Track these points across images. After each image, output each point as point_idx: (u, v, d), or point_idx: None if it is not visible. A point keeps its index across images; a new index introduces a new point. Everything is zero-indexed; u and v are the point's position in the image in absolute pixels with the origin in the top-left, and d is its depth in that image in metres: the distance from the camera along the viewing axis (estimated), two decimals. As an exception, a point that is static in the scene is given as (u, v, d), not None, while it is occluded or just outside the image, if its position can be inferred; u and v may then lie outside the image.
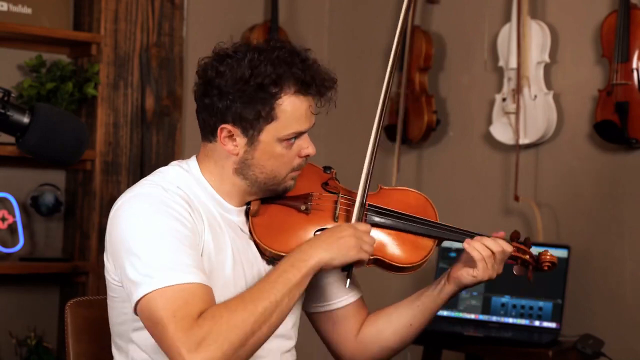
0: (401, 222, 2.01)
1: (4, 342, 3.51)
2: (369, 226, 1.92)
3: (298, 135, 1.91)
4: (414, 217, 2.02)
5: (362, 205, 1.97)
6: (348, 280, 1.92)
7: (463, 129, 3.79)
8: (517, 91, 3.47)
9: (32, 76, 3.53)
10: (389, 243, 2.00)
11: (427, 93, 3.77)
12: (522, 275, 2.07)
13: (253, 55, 1.88)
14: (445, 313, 3.32)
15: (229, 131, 1.89)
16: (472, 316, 3.31)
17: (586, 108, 3.42)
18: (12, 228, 3.52)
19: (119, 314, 1.92)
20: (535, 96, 3.47)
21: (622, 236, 3.34)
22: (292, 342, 2.03)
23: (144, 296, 1.75)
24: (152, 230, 1.80)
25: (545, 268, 2.06)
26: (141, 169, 3.69)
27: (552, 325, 3.20)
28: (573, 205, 3.47)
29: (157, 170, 1.97)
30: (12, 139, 1.61)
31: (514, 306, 3.26)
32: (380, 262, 1.98)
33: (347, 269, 1.90)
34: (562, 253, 3.21)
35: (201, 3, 3.93)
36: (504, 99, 3.54)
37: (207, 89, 1.90)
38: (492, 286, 3.29)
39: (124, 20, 3.65)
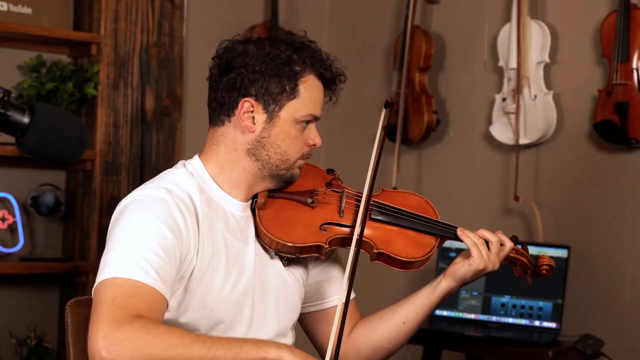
0: (404, 219, 2.03)
1: (4, 342, 3.51)
2: None
3: (312, 120, 1.97)
4: (416, 214, 2.05)
5: (369, 199, 1.98)
6: None
7: (463, 129, 3.79)
8: (517, 91, 3.47)
9: (32, 76, 3.53)
10: (393, 239, 2.01)
11: (427, 93, 3.77)
12: (521, 276, 2.10)
13: (276, 40, 1.96)
14: (445, 313, 3.32)
15: (251, 105, 1.93)
16: (472, 316, 3.31)
17: (586, 108, 3.42)
18: (12, 228, 3.52)
19: None
20: (535, 96, 3.47)
21: (622, 236, 3.34)
22: (289, 341, 2.03)
23: (101, 281, 1.74)
24: (137, 229, 1.80)
25: (544, 272, 2.09)
26: (141, 169, 3.69)
27: (552, 325, 3.20)
28: (573, 205, 3.47)
29: (165, 172, 1.98)
30: (12, 139, 1.61)
31: (514, 306, 3.26)
32: (385, 257, 1.99)
33: None
34: (562, 253, 3.21)
35: (201, 3, 3.93)
36: (504, 99, 3.54)
37: (231, 65, 1.94)
38: (492, 286, 3.29)
39: (124, 20, 3.65)
